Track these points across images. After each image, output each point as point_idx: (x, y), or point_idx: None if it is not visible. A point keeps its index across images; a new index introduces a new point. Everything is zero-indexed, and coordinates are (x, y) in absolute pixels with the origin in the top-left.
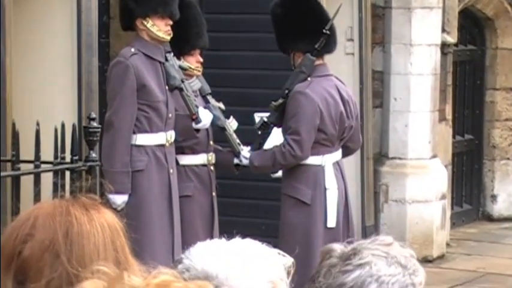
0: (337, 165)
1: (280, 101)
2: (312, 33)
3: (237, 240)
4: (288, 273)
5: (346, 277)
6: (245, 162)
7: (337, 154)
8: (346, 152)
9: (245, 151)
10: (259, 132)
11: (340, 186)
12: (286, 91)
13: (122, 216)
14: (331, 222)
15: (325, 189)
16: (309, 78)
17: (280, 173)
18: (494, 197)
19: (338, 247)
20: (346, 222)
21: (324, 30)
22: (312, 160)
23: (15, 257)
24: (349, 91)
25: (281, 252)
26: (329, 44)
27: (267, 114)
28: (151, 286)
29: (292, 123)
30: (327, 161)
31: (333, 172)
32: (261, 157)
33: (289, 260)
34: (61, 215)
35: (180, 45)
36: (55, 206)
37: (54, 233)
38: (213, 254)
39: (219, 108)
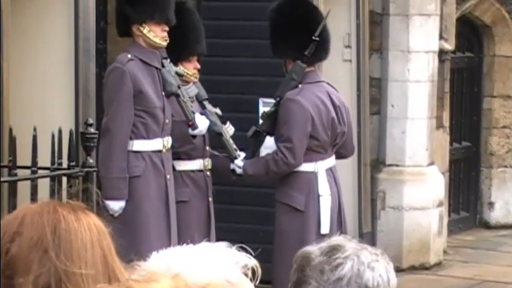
0: (330, 171)
1: (272, 109)
2: (301, 39)
3: (198, 245)
4: (253, 274)
5: (341, 270)
6: (239, 171)
7: (330, 160)
8: (339, 157)
9: (238, 160)
10: (252, 141)
11: (333, 193)
12: (277, 99)
13: (115, 222)
14: (325, 229)
15: (318, 195)
16: (299, 85)
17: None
18: (491, 205)
19: (312, 249)
20: (339, 228)
21: (314, 37)
22: (305, 167)
23: (3, 255)
24: (341, 97)
25: (247, 254)
26: (319, 51)
27: (272, 100)
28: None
29: (284, 131)
30: (319, 167)
31: (326, 178)
32: (255, 166)
33: (252, 261)
34: (48, 213)
35: (178, 51)
36: (42, 206)
37: (42, 229)
38: (162, 258)
39: (216, 114)
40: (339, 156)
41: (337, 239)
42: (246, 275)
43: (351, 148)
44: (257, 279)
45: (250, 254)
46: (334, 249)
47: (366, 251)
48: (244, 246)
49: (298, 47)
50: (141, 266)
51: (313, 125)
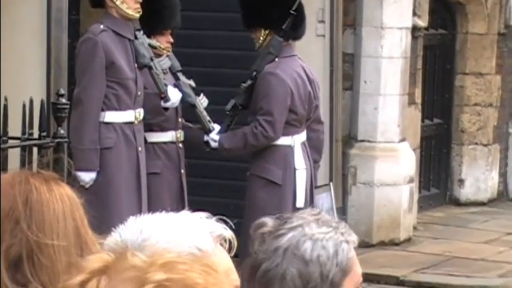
0: (304, 145)
1: (249, 82)
2: (279, 13)
3: (176, 213)
4: (230, 245)
5: (281, 240)
6: (214, 145)
7: (304, 134)
8: (312, 132)
9: (213, 134)
10: (229, 114)
11: (307, 167)
12: (254, 73)
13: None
14: (300, 202)
15: (294, 169)
16: (276, 59)
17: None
18: (461, 182)
19: (269, 220)
20: (312, 202)
21: (291, 11)
22: (282, 141)
23: None
24: (313, 71)
25: (223, 225)
26: (296, 27)
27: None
28: (155, 266)
29: (264, 104)
30: (296, 141)
31: (301, 152)
32: (231, 139)
33: (228, 233)
34: (20, 184)
35: (152, 24)
36: (14, 176)
37: (13, 200)
38: (136, 224)
39: (190, 85)
40: (312, 131)
41: (291, 213)
42: (222, 245)
43: (321, 122)
44: (233, 250)
45: (230, 227)
46: (283, 220)
47: (316, 223)
48: (224, 218)
49: (276, 21)
50: (114, 234)
51: (292, 99)
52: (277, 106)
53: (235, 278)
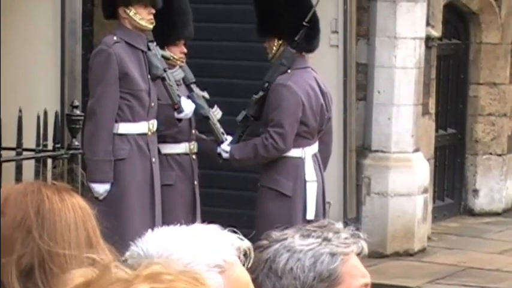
0: (315, 157)
1: (261, 93)
2: (292, 24)
3: (195, 225)
4: (245, 256)
5: (263, 253)
6: (225, 155)
7: (315, 146)
8: (322, 144)
9: (225, 144)
10: (239, 125)
11: (318, 179)
12: (266, 84)
13: (101, 205)
14: (311, 215)
15: (305, 181)
16: (289, 71)
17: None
18: (476, 192)
19: (274, 233)
20: (323, 214)
21: (304, 23)
22: (293, 153)
23: None
24: (326, 83)
25: (240, 236)
26: (309, 39)
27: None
28: (140, 278)
29: (275, 116)
30: (307, 153)
31: (312, 164)
32: (242, 150)
33: (246, 243)
34: (32, 194)
35: (165, 35)
36: (26, 186)
37: (25, 209)
38: (159, 237)
39: (203, 97)
40: (322, 143)
41: (313, 223)
42: (239, 257)
43: (331, 135)
44: (249, 262)
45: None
46: (280, 233)
47: (303, 235)
48: (235, 230)
49: (290, 31)
50: (135, 248)
51: (303, 111)
52: (288, 118)
53: None
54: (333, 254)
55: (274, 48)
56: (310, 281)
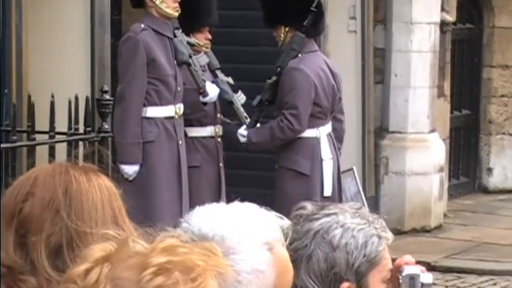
0: (329, 136)
1: (274, 78)
2: (300, 9)
3: (236, 204)
4: (286, 235)
5: (313, 223)
6: (243, 140)
7: (329, 126)
8: (337, 122)
9: (242, 129)
10: (255, 110)
11: (334, 157)
12: (279, 69)
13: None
14: (328, 191)
15: (321, 160)
16: (299, 55)
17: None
18: (490, 170)
19: (309, 204)
20: (339, 191)
21: (312, 8)
22: (308, 133)
23: (16, 214)
24: (336, 65)
25: (279, 214)
26: (316, 24)
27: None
28: (156, 250)
29: (289, 98)
30: (321, 133)
31: (328, 143)
32: (259, 133)
33: (286, 222)
34: (60, 174)
35: (190, 22)
36: (54, 167)
37: (53, 190)
38: (210, 216)
39: (228, 82)
40: (336, 122)
41: (344, 204)
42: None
43: (343, 113)
44: (287, 239)
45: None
46: (321, 208)
47: (352, 214)
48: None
49: (295, 18)
50: (188, 225)
51: (316, 92)
52: (302, 99)
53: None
54: (379, 237)
55: (282, 35)
56: (360, 258)
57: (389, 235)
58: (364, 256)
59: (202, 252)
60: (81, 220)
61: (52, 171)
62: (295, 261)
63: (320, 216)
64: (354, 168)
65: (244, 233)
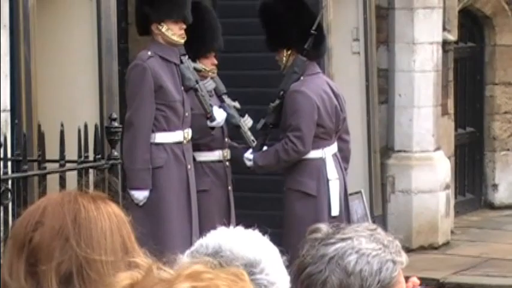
0: (335, 156)
1: (277, 101)
2: (299, 34)
3: (255, 231)
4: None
5: (329, 248)
6: (249, 164)
7: (335, 146)
8: (341, 142)
9: (248, 153)
10: (260, 133)
11: (340, 177)
12: (282, 92)
13: (140, 211)
14: (335, 211)
15: (327, 180)
16: (301, 78)
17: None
18: (495, 186)
19: (324, 226)
20: (346, 210)
21: (312, 31)
22: (313, 154)
23: (27, 243)
24: (338, 86)
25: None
26: (317, 46)
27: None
28: (182, 277)
29: (293, 121)
30: (327, 153)
31: (333, 163)
32: (264, 157)
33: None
34: (69, 203)
35: (196, 48)
36: (63, 196)
37: (63, 219)
38: (242, 241)
39: (234, 107)
40: (342, 142)
41: (348, 225)
42: None
43: (348, 133)
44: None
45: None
46: (337, 231)
47: (367, 238)
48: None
49: (297, 41)
50: (197, 246)
51: (319, 114)
52: (305, 121)
53: None
54: (394, 262)
55: (284, 59)
56: (374, 284)
57: (404, 259)
58: (378, 282)
59: (229, 278)
60: (90, 248)
61: (61, 200)
62: (309, 285)
63: (335, 241)
64: (362, 191)
65: (280, 265)
